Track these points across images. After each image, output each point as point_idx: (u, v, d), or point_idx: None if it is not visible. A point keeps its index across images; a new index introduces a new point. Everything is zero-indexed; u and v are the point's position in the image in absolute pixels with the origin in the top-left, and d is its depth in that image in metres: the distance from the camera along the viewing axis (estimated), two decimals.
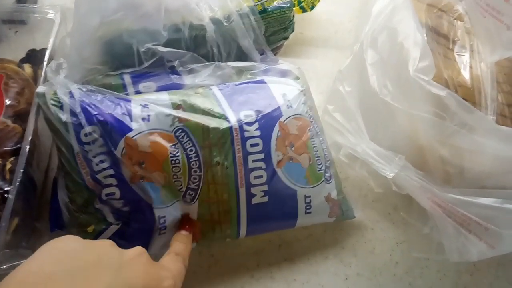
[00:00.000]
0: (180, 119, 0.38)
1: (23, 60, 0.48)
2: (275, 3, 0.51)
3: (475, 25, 0.44)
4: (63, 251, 0.26)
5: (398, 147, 0.42)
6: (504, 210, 0.38)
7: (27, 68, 0.47)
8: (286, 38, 0.55)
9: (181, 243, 0.36)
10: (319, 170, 0.42)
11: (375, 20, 0.45)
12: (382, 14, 0.45)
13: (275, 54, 0.54)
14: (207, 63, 0.45)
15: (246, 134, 0.39)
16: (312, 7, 0.57)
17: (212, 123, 0.39)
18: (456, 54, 0.45)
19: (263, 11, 0.50)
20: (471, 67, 0.44)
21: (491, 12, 0.40)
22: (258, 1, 0.50)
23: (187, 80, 0.44)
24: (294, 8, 0.54)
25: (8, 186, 0.37)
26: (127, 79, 0.44)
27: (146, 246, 0.32)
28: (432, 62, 0.39)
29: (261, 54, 0.49)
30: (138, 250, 0.30)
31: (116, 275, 0.26)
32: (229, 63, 0.46)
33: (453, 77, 0.42)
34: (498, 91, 0.44)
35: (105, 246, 0.28)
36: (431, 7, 0.48)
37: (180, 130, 0.38)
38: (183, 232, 0.37)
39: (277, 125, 0.41)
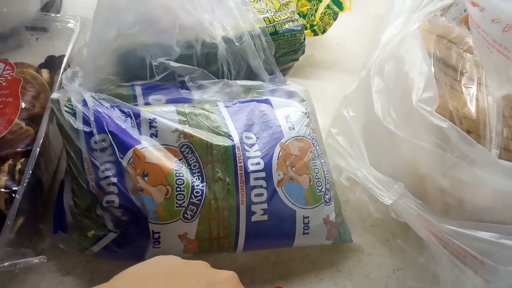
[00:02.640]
0: (185, 135, 0.39)
1: (41, 66, 0.50)
2: (286, 26, 0.52)
3: (482, 59, 0.45)
4: (165, 262, 0.32)
5: (398, 175, 0.42)
6: (502, 246, 0.37)
7: (45, 74, 0.49)
8: (296, 59, 0.56)
9: None
10: (319, 192, 0.42)
11: (383, 48, 0.46)
12: (391, 43, 0.46)
13: (284, 75, 0.55)
14: (216, 80, 0.47)
15: (247, 154, 0.40)
16: (324, 31, 0.58)
17: (215, 140, 0.40)
18: (463, 86, 0.45)
19: (275, 33, 0.52)
20: (477, 100, 0.44)
21: (498, 48, 0.40)
22: (270, 23, 0.52)
23: (195, 95, 0.45)
24: (305, 31, 0.55)
25: (16, 186, 0.38)
26: (138, 90, 0.45)
27: (141, 257, 0.33)
28: (436, 94, 0.39)
29: (270, 74, 0.50)
30: (230, 274, 0.32)
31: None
32: (237, 81, 0.47)
33: (459, 109, 0.43)
34: (504, 125, 0.43)
35: (201, 264, 0.32)
36: (441, 38, 0.48)
37: (185, 146, 0.39)
38: None
39: (278, 145, 0.41)
